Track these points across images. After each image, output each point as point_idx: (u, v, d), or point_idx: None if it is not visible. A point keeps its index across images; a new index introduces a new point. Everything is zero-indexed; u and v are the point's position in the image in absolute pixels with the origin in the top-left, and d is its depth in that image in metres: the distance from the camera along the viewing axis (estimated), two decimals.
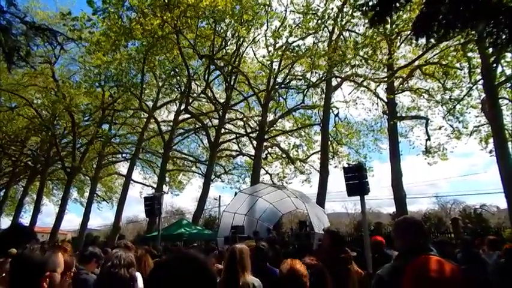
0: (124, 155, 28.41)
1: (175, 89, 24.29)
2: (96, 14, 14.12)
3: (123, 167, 30.23)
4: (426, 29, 3.83)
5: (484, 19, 3.72)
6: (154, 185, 24.97)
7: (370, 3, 4.03)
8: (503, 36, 3.70)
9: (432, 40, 4.14)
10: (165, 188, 25.58)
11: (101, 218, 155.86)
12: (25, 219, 27.99)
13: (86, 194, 26.88)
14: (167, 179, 26.74)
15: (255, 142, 21.65)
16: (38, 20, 18.44)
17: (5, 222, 29.77)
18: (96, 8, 13.91)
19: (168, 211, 44.47)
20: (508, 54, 13.89)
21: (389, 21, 12.80)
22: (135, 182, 27.16)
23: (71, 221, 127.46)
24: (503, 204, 13.41)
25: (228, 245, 12.10)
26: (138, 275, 2.61)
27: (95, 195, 25.96)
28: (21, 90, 21.89)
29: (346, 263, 3.31)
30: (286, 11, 19.82)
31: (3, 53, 7.37)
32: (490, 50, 12.15)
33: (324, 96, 20.69)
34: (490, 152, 16.32)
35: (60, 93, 20.35)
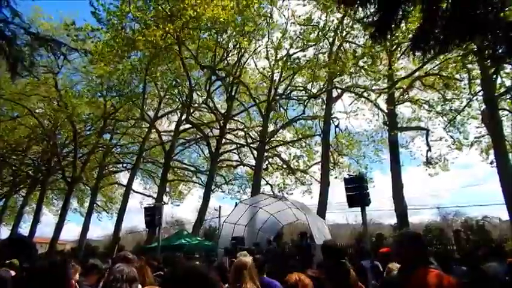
0: (125, 165, 28.44)
1: (177, 99, 24.42)
2: (100, 25, 14.33)
3: (123, 177, 30.25)
4: (423, 43, 3.90)
5: (482, 34, 3.79)
6: (155, 195, 24.92)
7: (370, 18, 4.11)
8: (501, 50, 3.77)
9: (429, 54, 4.21)
10: (166, 198, 25.54)
11: (101, 228, 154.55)
12: (24, 229, 27.85)
13: (86, 204, 26.80)
14: (167, 189, 26.69)
15: (255, 152, 21.66)
16: (42, 30, 18.65)
17: (4, 231, 29.61)
18: (100, 18, 14.12)
19: (168, 221, 44.18)
20: (507, 66, 13.99)
21: (389, 34, 12.94)
22: (135, 192, 27.15)
23: (71, 231, 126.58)
24: (505, 215, 13.33)
25: (228, 256, 12.02)
26: None
27: (95, 205, 25.88)
28: (24, 99, 22.02)
29: (342, 276, 3.28)
30: (287, 22, 20.08)
31: (7, 63, 7.45)
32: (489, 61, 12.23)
33: (324, 107, 20.78)
34: (491, 163, 16.30)
35: (63, 102, 20.50)
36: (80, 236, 23.72)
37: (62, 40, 10.52)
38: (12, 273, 3.26)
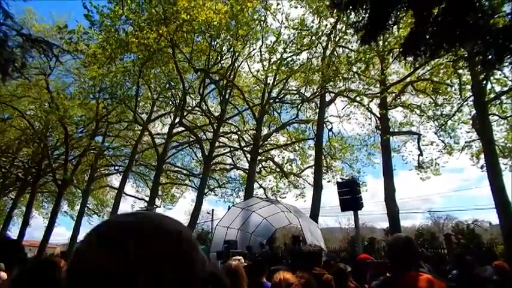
0: (117, 168, 28.20)
1: (170, 102, 24.35)
2: (93, 27, 14.27)
3: (115, 180, 29.98)
4: (414, 48, 3.96)
5: (472, 40, 3.85)
6: (147, 198, 24.72)
7: (362, 23, 4.15)
8: (491, 56, 3.83)
9: (420, 59, 4.26)
10: (158, 202, 25.34)
11: None
12: (13, 232, 27.43)
13: (77, 207, 26.49)
14: (160, 192, 26.51)
15: (249, 156, 21.65)
16: (34, 32, 18.49)
17: None
18: (93, 21, 14.06)
19: None
20: (498, 72, 14.21)
21: (380, 39, 13.10)
22: (127, 195, 26.87)
23: (61, 235, 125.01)
24: (495, 219, 13.49)
25: (221, 260, 11.97)
26: None
27: (86, 208, 25.59)
28: (15, 101, 21.76)
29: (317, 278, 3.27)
30: (281, 26, 20.18)
31: None
32: (479, 67, 12.43)
33: (317, 111, 20.88)
34: (482, 167, 16.50)
35: (54, 104, 20.28)
36: (70, 240, 23.43)
37: (54, 42, 10.45)
38: (3, 274, 3.21)
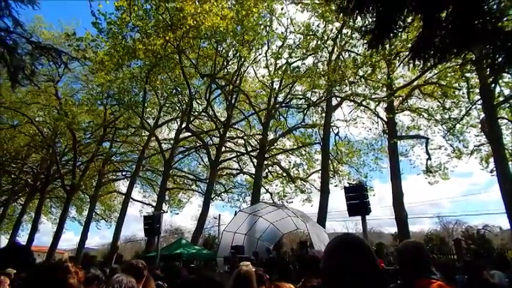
0: (124, 173, 28.39)
1: (177, 108, 24.48)
2: (101, 34, 14.44)
3: (122, 185, 30.16)
4: (423, 53, 3.93)
5: (480, 43, 3.82)
6: (154, 204, 24.81)
7: (368, 27, 4.14)
8: (500, 59, 3.79)
9: (429, 63, 4.23)
10: (165, 207, 25.41)
11: (99, 236, 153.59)
12: (22, 238, 27.69)
13: (85, 213, 26.67)
14: (167, 197, 26.59)
15: (255, 161, 21.64)
16: (44, 39, 18.82)
17: (3, 240, 29.45)
18: (100, 28, 14.23)
19: (167, 230, 44.08)
20: (506, 75, 14.05)
21: (387, 43, 13.05)
22: (134, 200, 27.03)
23: (69, 240, 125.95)
24: (506, 224, 13.27)
25: (228, 265, 11.93)
26: None
27: (93, 213, 25.74)
28: (24, 108, 22.08)
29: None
30: (286, 31, 20.24)
31: (8, 71, 7.47)
32: (488, 70, 12.31)
33: (324, 115, 20.83)
34: (491, 171, 16.27)
35: (63, 111, 20.53)
36: (78, 245, 23.55)
37: (63, 49, 10.59)
38: (3, 278, 3.24)
